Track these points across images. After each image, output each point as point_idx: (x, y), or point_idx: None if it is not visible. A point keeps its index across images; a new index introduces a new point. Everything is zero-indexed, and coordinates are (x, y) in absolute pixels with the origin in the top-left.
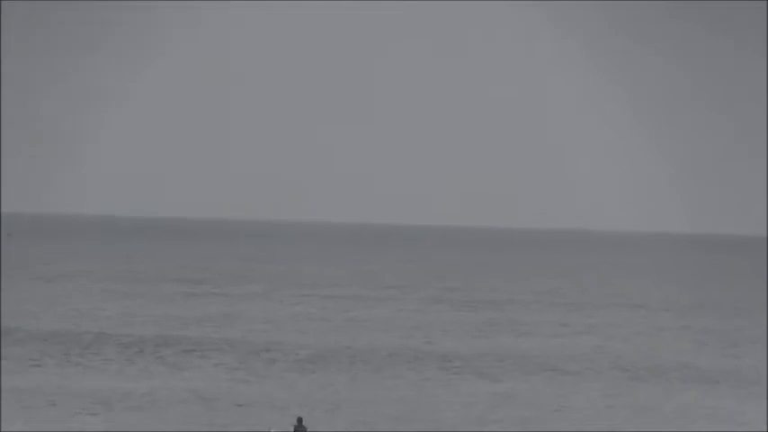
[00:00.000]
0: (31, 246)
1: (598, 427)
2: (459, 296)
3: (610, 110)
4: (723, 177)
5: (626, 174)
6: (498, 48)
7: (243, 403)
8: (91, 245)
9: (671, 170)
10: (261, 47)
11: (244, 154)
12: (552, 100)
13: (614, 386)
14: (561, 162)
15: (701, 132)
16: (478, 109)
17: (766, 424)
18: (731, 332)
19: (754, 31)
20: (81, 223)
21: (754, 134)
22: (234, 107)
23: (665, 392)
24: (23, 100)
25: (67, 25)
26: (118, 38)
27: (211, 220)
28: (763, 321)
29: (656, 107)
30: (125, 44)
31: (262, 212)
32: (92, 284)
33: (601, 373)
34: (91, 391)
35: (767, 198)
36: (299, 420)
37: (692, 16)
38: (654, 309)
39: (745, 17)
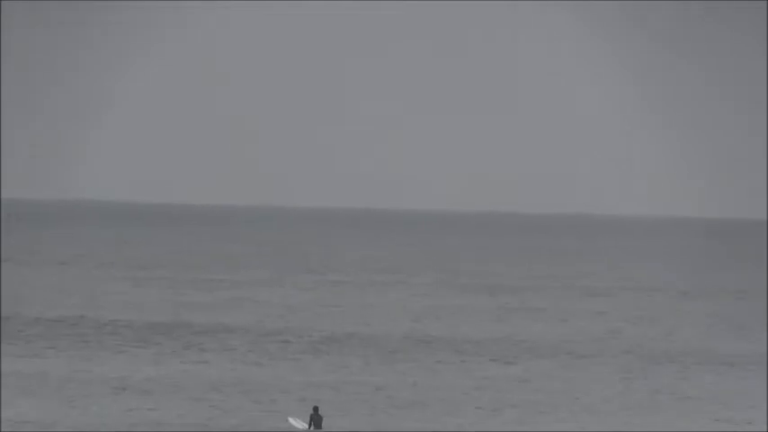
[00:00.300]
0: (32, 231)
1: (613, 410)
2: (470, 281)
3: (616, 95)
4: (727, 161)
5: (629, 157)
6: (499, 38)
7: (256, 387)
8: (94, 230)
9: (675, 154)
10: (260, 46)
11: (242, 148)
12: (556, 88)
13: (628, 369)
14: (565, 149)
15: (706, 116)
16: (482, 95)
17: (766, 415)
18: (743, 315)
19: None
20: (82, 209)
21: (761, 117)
22: (233, 106)
23: (679, 375)
24: (23, 94)
25: (68, 25)
26: (116, 37)
27: (206, 206)
28: None
29: (664, 92)
30: (123, 44)
31: (256, 198)
32: (98, 270)
33: (615, 356)
34: (101, 377)
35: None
36: (315, 409)
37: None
38: (665, 292)
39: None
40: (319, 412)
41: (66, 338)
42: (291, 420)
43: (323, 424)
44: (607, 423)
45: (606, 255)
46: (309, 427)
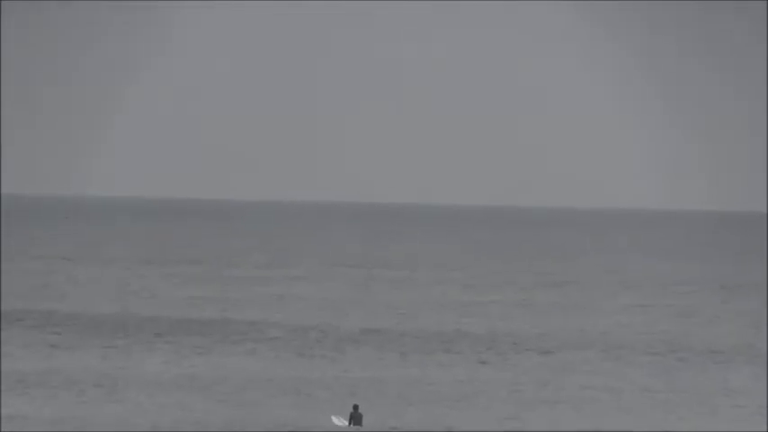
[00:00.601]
0: (53, 228)
1: (654, 405)
2: (500, 276)
3: (618, 91)
4: (728, 155)
5: (629, 150)
6: (501, 36)
7: (292, 382)
8: (111, 226)
9: (676, 147)
10: (262, 46)
11: (242, 146)
12: (559, 86)
13: (668, 363)
14: (567, 144)
15: (706, 109)
16: (482, 90)
17: (766, 414)
18: None
19: None
20: (92, 205)
21: (761, 112)
22: (236, 106)
23: (720, 369)
24: (25, 93)
25: (69, 25)
26: (127, 38)
27: (209, 201)
28: None
29: (665, 87)
30: (132, 44)
31: (259, 193)
32: (126, 267)
33: (654, 350)
34: (136, 373)
35: (767, 174)
36: (355, 407)
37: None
38: (700, 286)
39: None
40: (359, 410)
41: (102, 334)
42: (334, 419)
43: (363, 421)
44: (649, 418)
45: (628, 249)
46: (349, 425)
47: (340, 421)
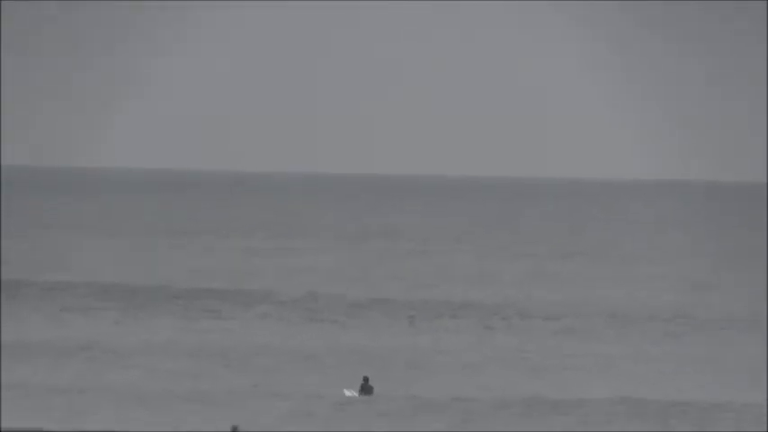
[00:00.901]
0: (67, 199)
1: (662, 375)
2: (503, 246)
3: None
4: (723, 123)
5: (619, 120)
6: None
7: (301, 351)
8: (126, 198)
9: (659, 117)
10: (262, 46)
11: (243, 144)
12: (559, 83)
13: (676, 333)
14: (555, 111)
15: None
16: (482, 90)
17: (766, 407)
18: None
19: None
20: (106, 177)
21: (756, 79)
22: (236, 106)
23: (726, 340)
24: (25, 93)
25: (69, 25)
26: (121, 36)
27: (212, 173)
28: None
29: (672, 87)
30: (127, 43)
31: (260, 165)
32: (136, 237)
33: (660, 320)
34: (145, 341)
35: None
36: (366, 379)
37: None
38: (706, 257)
39: None
40: (369, 382)
41: (114, 303)
42: (345, 391)
43: (373, 392)
44: (654, 386)
45: (630, 220)
46: (360, 396)
47: (351, 393)
